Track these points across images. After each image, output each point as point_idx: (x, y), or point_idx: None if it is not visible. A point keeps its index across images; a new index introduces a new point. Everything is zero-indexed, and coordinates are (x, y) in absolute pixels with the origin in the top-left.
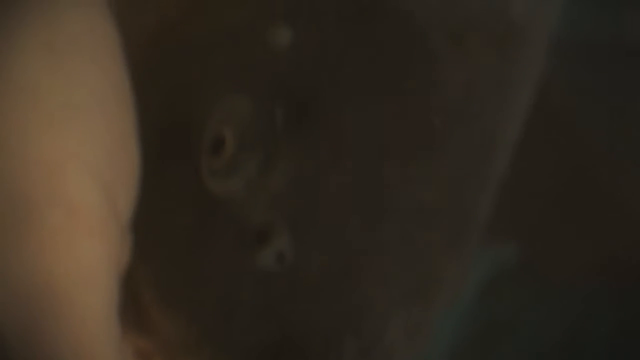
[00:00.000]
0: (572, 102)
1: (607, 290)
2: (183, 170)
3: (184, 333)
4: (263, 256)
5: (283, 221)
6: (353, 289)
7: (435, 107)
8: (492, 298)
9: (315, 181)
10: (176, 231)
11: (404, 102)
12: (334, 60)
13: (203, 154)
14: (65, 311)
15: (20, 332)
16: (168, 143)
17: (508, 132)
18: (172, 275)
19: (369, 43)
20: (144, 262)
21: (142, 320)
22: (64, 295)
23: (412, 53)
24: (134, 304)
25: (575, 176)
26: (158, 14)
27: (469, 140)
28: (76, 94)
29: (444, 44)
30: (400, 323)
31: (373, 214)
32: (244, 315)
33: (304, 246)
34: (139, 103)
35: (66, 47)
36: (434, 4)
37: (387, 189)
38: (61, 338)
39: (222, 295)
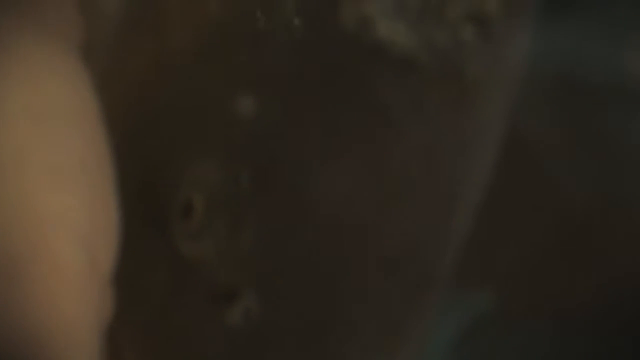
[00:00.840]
0: (545, 142)
1: (584, 336)
2: (157, 233)
3: None
4: (231, 314)
5: (251, 280)
6: (318, 343)
7: (396, 169)
8: (468, 347)
9: (281, 241)
10: (152, 292)
11: (365, 165)
12: (297, 126)
13: (174, 218)
14: None
15: None
16: (143, 207)
17: (473, 185)
18: (150, 337)
19: (331, 111)
20: (123, 324)
21: None
22: (47, 348)
23: (373, 119)
24: None
25: (551, 220)
26: (129, 82)
27: (430, 198)
28: (59, 158)
29: (404, 108)
30: None
31: (336, 269)
32: None
33: (271, 304)
34: (116, 167)
35: (47, 112)
36: None
37: (349, 244)
38: None
39: (194, 354)
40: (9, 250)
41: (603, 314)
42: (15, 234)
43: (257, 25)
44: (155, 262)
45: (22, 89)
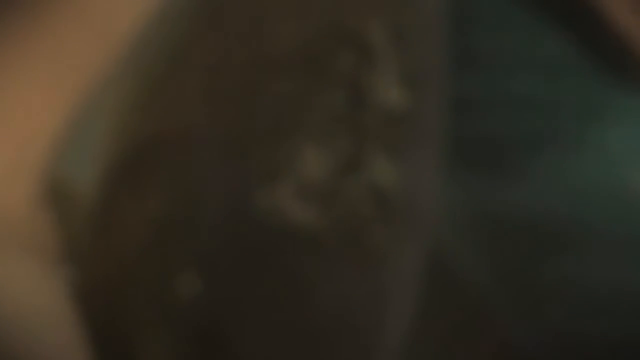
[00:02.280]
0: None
1: None
2: None
3: None
4: None
5: None
6: None
7: (316, 328)
8: None
9: None
10: None
11: (287, 327)
12: (237, 300)
13: None
14: None
15: None
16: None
17: (392, 331)
18: None
19: (259, 287)
20: None
21: None
22: None
23: (291, 289)
24: None
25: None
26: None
27: (350, 351)
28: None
29: (317, 277)
30: None
31: None
32: None
33: None
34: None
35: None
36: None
37: None
38: None
39: None
40: None
41: None
42: None
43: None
44: None
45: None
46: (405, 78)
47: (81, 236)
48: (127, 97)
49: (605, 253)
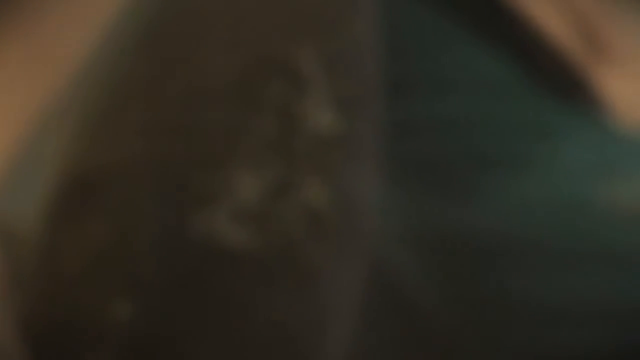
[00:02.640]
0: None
1: None
2: None
3: None
4: None
5: None
6: None
7: (254, 340)
8: None
9: None
10: None
11: (228, 342)
12: (173, 322)
13: None
14: None
15: None
16: None
17: (333, 348)
18: None
19: (198, 309)
20: None
21: None
22: None
23: (231, 309)
24: None
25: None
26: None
27: None
28: None
29: (254, 298)
30: None
31: None
32: None
33: None
34: None
35: None
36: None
37: None
38: None
39: None
40: None
41: None
42: None
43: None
44: None
45: None
46: (338, 103)
47: (26, 268)
48: (70, 130)
49: (553, 268)
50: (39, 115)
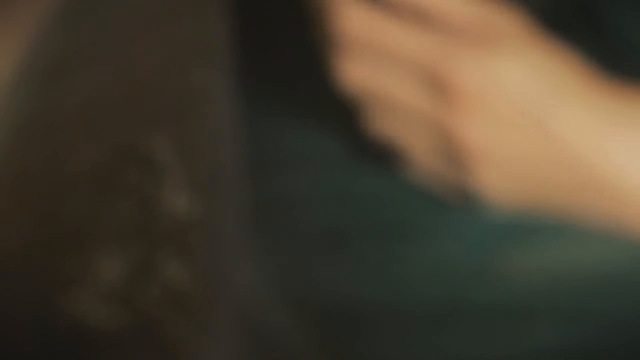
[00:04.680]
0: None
1: None
2: None
3: None
4: None
5: None
6: None
7: None
8: None
9: None
10: None
11: None
12: None
13: None
14: None
15: None
16: None
17: None
18: None
19: None
20: None
21: None
22: None
23: None
24: None
25: None
26: None
27: None
28: None
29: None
30: None
31: None
32: None
33: None
34: None
35: None
36: None
37: None
38: None
39: None
40: None
41: None
42: None
43: None
44: None
45: None
46: (194, 186)
47: None
48: None
49: (431, 332)
50: None
